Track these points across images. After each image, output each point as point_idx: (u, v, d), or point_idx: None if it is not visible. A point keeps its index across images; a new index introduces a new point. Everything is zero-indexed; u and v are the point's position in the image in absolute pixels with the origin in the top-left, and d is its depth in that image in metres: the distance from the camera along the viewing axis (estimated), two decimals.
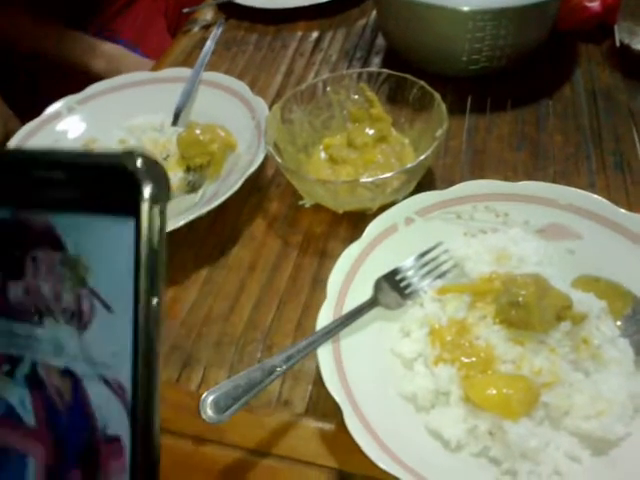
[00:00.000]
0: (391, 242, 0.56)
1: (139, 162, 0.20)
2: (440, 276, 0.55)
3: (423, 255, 0.56)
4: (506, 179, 0.60)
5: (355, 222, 0.65)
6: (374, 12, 0.99)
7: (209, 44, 0.89)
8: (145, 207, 0.20)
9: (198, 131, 0.71)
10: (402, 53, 0.86)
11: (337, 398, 0.45)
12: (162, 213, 0.21)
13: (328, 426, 0.50)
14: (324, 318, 0.50)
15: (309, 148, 0.72)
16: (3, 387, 0.23)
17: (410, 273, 0.55)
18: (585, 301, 0.50)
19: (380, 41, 0.93)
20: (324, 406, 0.51)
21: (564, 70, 0.84)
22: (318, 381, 0.50)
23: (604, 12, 0.86)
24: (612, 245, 0.54)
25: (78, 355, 0.22)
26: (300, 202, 0.68)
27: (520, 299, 0.47)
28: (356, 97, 0.73)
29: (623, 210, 0.55)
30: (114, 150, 0.21)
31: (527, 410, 0.44)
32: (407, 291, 0.54)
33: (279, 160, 0.63)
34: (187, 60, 0.94)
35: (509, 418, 0.44)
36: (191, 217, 0.61)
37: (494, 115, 0.78)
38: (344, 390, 0.46)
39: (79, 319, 0.22)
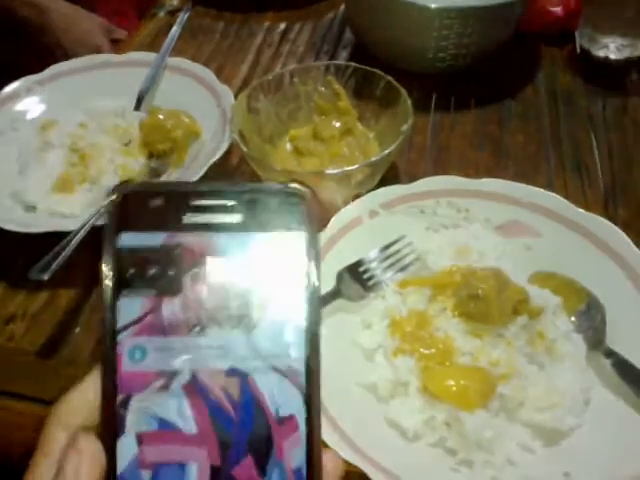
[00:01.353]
0: (355, 234, 0.57)
1: (299, 188, 0.26)
2: (402, 269, 0.55)
3: (386, 248, 0.56)
4: (468, 177, 0.61)
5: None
6: (343, 6, 0.99)
7: (175, 29, 0.87)
8: (310, 220, 0.26)
9: (161, 116, 0.70)
10: (369, 48, 0.86)
11: None
12: (317, 224, 0.26)
13: None
14: None
15: (275, 139, 0.71)
16: (156, 402, 0.25)
17: (373, 265, 0.55)
18: (541, 296, 0.51)
19: (348, 35, 0.93)
20: None
21: (527, 72, 0.86)
22: None
23: (566, 17, 0.88)
24: (569, 243, 0.55)
25: (246, 353, 0.25)
26: None
27: (479, 292, 0.48)
28: (323, 89, 0.72)
29: (581, 209, 0.56)
30: (277, 183, 0.26)
31: (484, 401, 0.45)
32: (369, 283, 0.54)
33: (245, 149, 0.62)
34: (152, 44, 0.92)
35: (466, 409, 0.45)
36: None
37: (458, 114, 0.80)
38: None
39: (248, 321, 0.25)
